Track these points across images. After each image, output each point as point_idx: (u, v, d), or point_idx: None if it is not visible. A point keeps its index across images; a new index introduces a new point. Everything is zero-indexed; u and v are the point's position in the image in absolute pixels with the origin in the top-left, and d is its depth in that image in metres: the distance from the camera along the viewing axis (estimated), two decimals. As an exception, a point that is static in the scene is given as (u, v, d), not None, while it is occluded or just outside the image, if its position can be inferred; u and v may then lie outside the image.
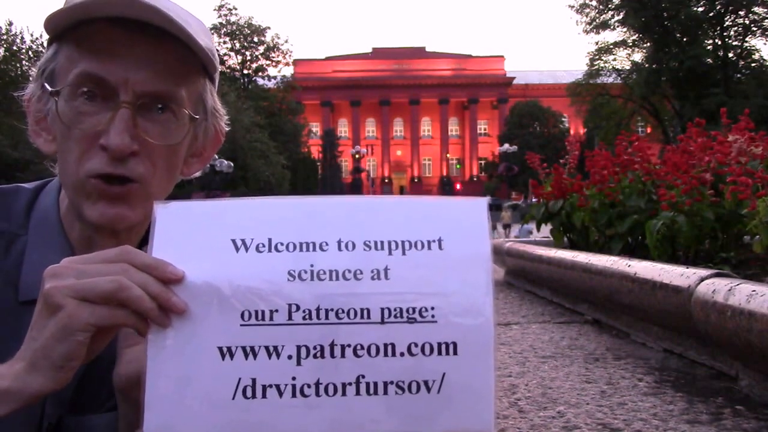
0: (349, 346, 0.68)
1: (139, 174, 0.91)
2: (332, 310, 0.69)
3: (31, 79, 0.99)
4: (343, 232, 0.71)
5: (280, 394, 0.67)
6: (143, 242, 1.02)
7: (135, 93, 0.89)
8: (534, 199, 6.71)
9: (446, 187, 68.77)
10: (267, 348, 0.68)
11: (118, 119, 0.88)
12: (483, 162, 69.33)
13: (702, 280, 2.34)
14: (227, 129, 1.10)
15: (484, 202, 0.74)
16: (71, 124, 0.89)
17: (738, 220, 3.51)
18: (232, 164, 31.57)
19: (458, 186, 68.29)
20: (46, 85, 0.93)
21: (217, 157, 29.03)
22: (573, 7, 40.83)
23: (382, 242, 0.71)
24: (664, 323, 2.83)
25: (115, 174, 0.90)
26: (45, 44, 0.98)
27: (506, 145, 44.85)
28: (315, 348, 0.68)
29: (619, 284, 3.05)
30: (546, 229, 5.57)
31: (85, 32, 0.89)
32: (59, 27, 0.90)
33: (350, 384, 0.68)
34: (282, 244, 0.70)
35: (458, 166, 73.53)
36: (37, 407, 0.89)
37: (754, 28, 37.71)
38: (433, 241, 0.72)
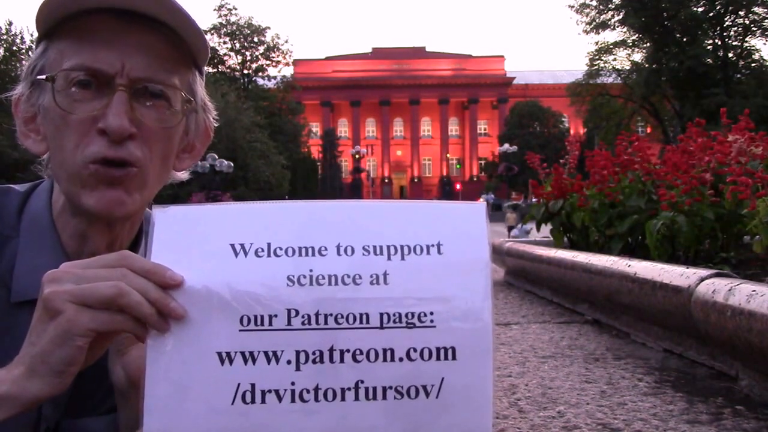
0: (348, 351, 0.68)
1: (138, 157, 0.91)
2: (331, 315, 0.69)
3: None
4: (342, 236, 0.71)
5: (280, 399, 0.67)
6: (136, 239, 1.03)
7: (131, 78, 0.89)
8: (534, 199, 6.72)
9: (446, 187, 68.78)
10: (266, 353, 0.68)
11: (115, 102, 0.88)
12: (483, 162, 69.27)
13: (702, 280, 2.34)
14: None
15: (482, 206, 0.75)
16: (67, 110, 0.89)
17: (738, 220, 3.51)
18: (232, 164, 31.53)
19: (458, 186, 68.27)
20: (39, 77, 0.92)
21: (217, 157, 29.01)
22: (573, 7, 40.83)
23: (381, 247, 0.71)
24: (664, 323, 2.83)
25: (115, 157, 0.89)
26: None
27: (506, 145, 44.79)
28: (314, 353, 0.68)
29: (619, 284, 3.05)
30: (546, 229, 5.57)
31: (76, 25, 0.89)
32: (51, 19, 0.90)
33: (349, 389, 0.68)
34: (281, 248, 0.71)
35: (458, 166, 73.53)
36: (34, 410, 0.89)
37: (754, 28, 37.70)
38: (432, 245, 0.72)
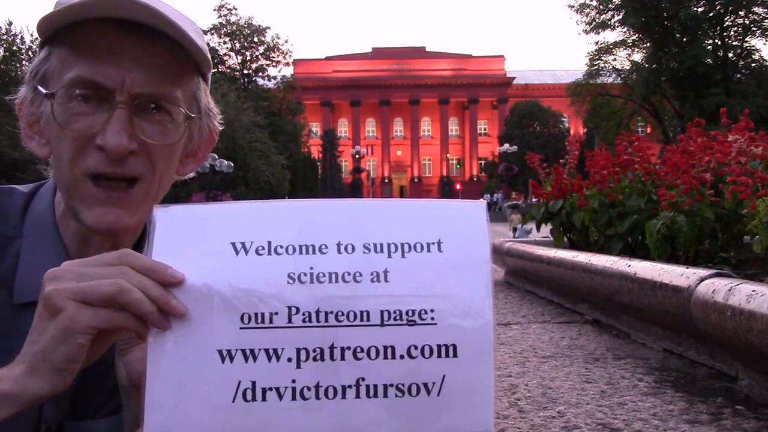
0: (348, 348, 0.68)
1: (140, 172, 0.91)
2: (332, 312, 0.68)
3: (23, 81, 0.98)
4: (342, 234, 0.71)
5: (280, 396, 0.67)
6: (139, 243, 1.02)
7: (131, 94, 0.88)
8: (534, 199, 6.71)
9: (446, 187, 68.74)
10: (267, 351, 0.67)
11: (114, 119, 0.87)
12: (483, 162, 69.26)
13: (702, 280, 2.34)
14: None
15: (483, 205, 0.74)
16: (66, 125, 0.89)
17: (738, 220, 3.52)
18: (232, 164, 31.48)
19: (458, 186, 68.26)
20: (40, 87, 0.92)
21: (217, 157, 28.96)
22: (573, 7, 40.83)
23: (381, 245, 0.71)
24: (664, 323, 2.83)
25: (114, 174, 0.89)
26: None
27: (506, 145, 44.76)
28: (315, 351, 0.68)
29: (619, 284, 3.05)
30: (546, 229, 5.57)
31: (78, 34, 0.89)
32: (52, 29, 0.90)
33: (350, 387, 0.68)
34: (281, 246, 0.70)
35: (458, 166, 73.50)
36: (35, 411, 0.89)
37: (754, 28, 37.71)
38: (433, 243, 0.72)
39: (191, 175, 1.08)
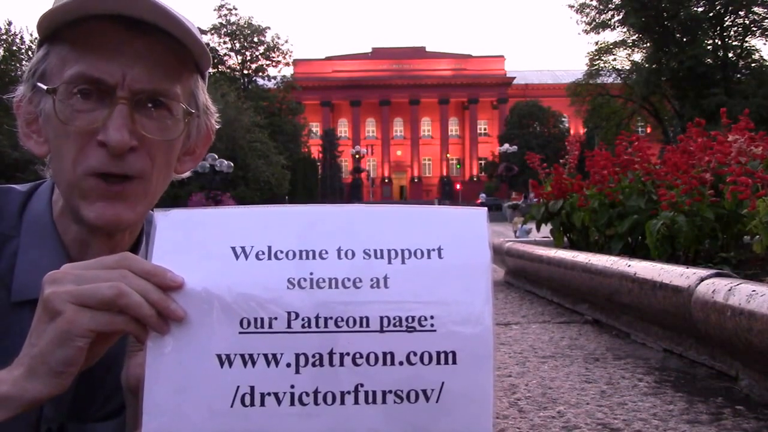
0: (348, 354, 0.68)
1: (139, 170, 0.91)
2: (331, 318, 0.68)
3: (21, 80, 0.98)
4: (342, 240, 0.71)
5: (279, 402, 0.67)
6: (137, 243, 1.03)
7: (132, 90, 0.89)
8: (534, 199, 6.71)
9: (446, 187, 68.77)
10: (266, 356, 0.67)
11: (116, 115, 0.87)
12: (483, 162, 69.33)
13: (702, 280, 2.34)
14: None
15: (483, 212, 0.74)
16: (68, 122, 0.89)
17: (738, 220, 3.52)
18: (232, 164, 31.46)
19: (458, 186, 68.28)
20: (40, 84, 0.92)
21: (217, 157, 28.98)
22: (573, 7, 40.84)
23: (381, 251, 0.71)
24: (664, 323, 2.83)
25: (116, 172, 0.89)
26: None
27: (506, 145, 44.75)
28: (314, 356, 0.68)
29: (619, 284, 3.05)
30: (546, 229, 5.57)
31: (78, 31, 0.89)
32: (52, 26, 0.90)
33: (349, 393, 0.68)
34: (282, 251, 0.70)
35: (458, 166, 73.54)
36: (34, 411, 0.89)
37: (754, 28, 37.72)
38: (433, 250, 0.72)
39: (188, 174, 1.08)
